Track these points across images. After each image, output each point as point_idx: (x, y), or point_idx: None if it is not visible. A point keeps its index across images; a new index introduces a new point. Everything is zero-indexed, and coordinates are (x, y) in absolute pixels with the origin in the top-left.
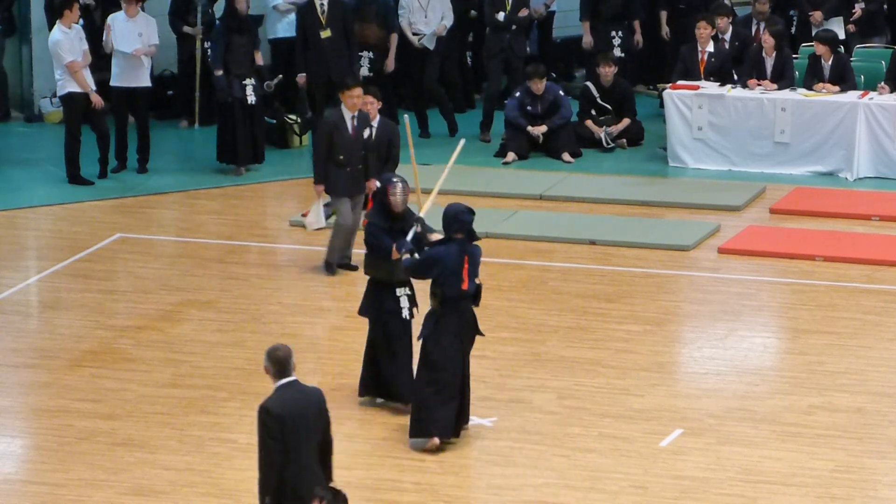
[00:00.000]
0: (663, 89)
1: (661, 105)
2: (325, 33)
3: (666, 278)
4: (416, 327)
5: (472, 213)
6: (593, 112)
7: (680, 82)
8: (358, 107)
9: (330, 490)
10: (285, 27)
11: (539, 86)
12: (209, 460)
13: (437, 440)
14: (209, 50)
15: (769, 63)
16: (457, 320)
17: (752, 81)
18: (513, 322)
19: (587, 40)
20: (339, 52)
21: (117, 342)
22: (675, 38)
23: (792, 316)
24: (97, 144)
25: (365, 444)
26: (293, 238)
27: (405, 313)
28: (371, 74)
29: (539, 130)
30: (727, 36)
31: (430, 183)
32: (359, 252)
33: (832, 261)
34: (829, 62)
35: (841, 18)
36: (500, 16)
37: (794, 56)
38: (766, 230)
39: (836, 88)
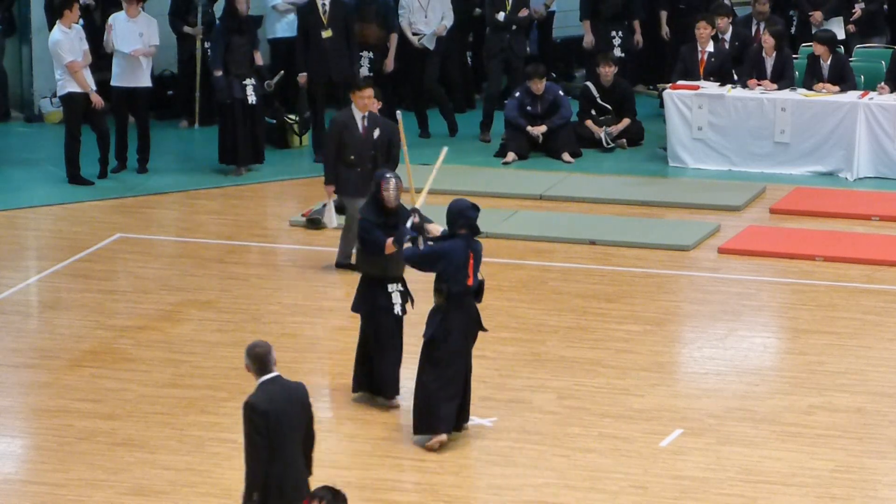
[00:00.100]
0: (663, 89)
1: (661, 105)
2: (327, 33)
3: (666, 278)
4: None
5: (476, 209)
6: (593, 112)
7: (680, 82)
8: (369, 107)
9: (330, 490)
10: (284, 27)
11: (539, 86)
12: (209, 460)
13: (444, 436)
14: (209, 50)
15: (769, 63)
16: (462, 316)
17: (752, 81)
18: (513, 322)
19: (588, 40)
20: (340, 52)
21: (117, 342)
22: (675, 38)
23: (792, 316)
24: (97, 144)
25: (365, 444)
26: (293, 238)
27: (397, 309)
28: (371, 74)
29: (538, 130)
30: (727, 36)
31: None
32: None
33: (832, 261)
34: (828, 62)
35: (841, 18)
36: (500, 16)
37: (794, 56)
38: (766, 230)
39: (836, 88)
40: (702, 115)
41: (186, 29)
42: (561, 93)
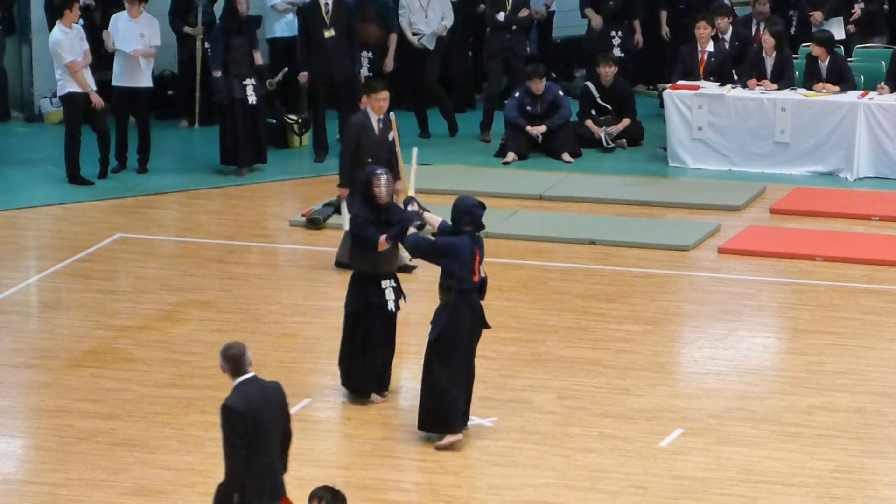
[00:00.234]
0: (663, 89)
1: (661, 105)
2: (329, 33)
3: (666, 278)
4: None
5: (483, 206)
6: (593, 112)
7: (680, 82)
8: (384, 109)
9: (330, 490)
10: (283, 27)
11: (539, 86)
12: (209, 460)
13: (460, 435)
14: (209, 50)
15: (769, 63)
16: (468, 313)
17: (752, 81)
18: (513, 322)
19: (597, 22)
20: (342, 52)
21: (117, 342)
22: (675, 38)
23: (792, 316)
24: (97, 144)
25: (365, 444)
26: (293, 238)
27: (391, 305)
28: (370, 74)
29: (538, 130)
30: (727, 36)
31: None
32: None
33: (832, 261)
34: (826, 63)
35: (841, 18)
36: (501, 16)
37: (793, 56)
38: (766, 230)
39: (836, 88)
40: (702, 115)
41: (186, 29)
42: (561, 93)
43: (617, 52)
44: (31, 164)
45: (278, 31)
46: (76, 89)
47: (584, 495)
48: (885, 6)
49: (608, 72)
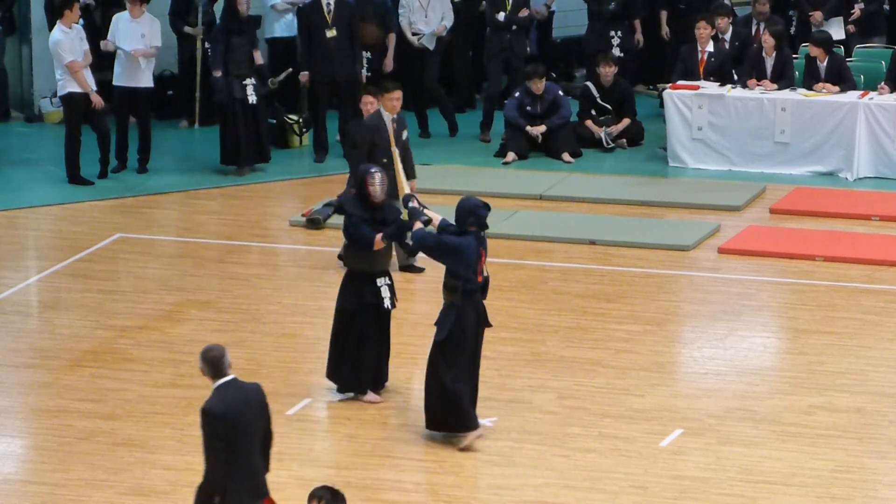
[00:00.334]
0: (663, 89)
1: (661, 105)
2: (331, 33)
3: (666, 278)
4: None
5: (487, 207)
6: (593, 112)
7: (680, 82)
8: (397, 109)
9: (329, 490)
10: (282, 27)
11: (539, 86)
12: None
13: (479, 430)
14: (209, 50)
15: (769, 63)
16: (473, 313)
17: (752, 81)
18: (513, 322)
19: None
20: (344, 52)
21: (117, 342)
22: (675, 38)
23: (792, 316)
24: (98, 144)
25: (365, 444)
26: (293, 238)
27: (387, 303)
28: (369, 74)
29: (538, 130)
30: (727, 36)
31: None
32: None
33: (832, 261)
34: (825, 63)
35: (841, 18)
36: (501, 16)
37: (793, 56)
38: (766, 230)
39: (836, 88)
40: (702, 115)
41: (187, 29)
42: (561, 93)
43: (617, 52)
44: (31, 164)
45: (277, 31)
46: (76, 89)
47: (584, 495)
48: (886, 6)
49: (608, 72)
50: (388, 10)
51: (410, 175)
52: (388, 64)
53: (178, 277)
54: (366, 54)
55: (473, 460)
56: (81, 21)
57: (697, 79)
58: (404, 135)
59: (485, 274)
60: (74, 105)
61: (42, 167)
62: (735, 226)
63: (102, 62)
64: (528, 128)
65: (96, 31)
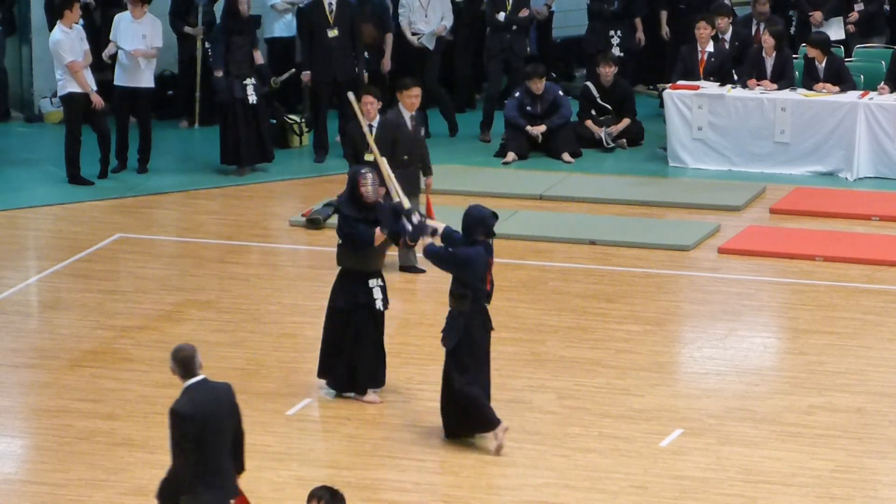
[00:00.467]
0: (663, 89)
1: (661, 105)
2: (333, 32)
3: (666, 278)
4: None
5: (496, 217)
6: (593, 112)
7: (680, 82)
8: (416, 105)
9: (328, 490)
10: (282, 27)
11: (539, 86)
12: None
13: (504, 425)
14: (209, 50)
15: (769, 63)
16: (480, 318)
17: (752, 81)
18: (513, 322)
19: None
20: (345, 52)
21: (117, 342)
22: (675, 38)
23: (792, 316)
24: (98, 144)
25: (365, 444)
26: (293, 238)
27: (379, 304)
28: (367, 74)
29: (538, 130)
30: (727, 36)
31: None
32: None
33: (832, 261)
34: (823, 64)
35: (840, 18)
36: (501, 16)
37: (793, 56)
38: (766, 230)
39: (836, 88)
40: (702, 115)
41: (187, 29)
42: (561, 93)
43: (617, 52)
44: (31, 164)
45: (277, 31)
46: (76, 89)
47: (584, 495)
48: (886, 6)
49: (608, 72)
50: (386, 9)
51: (427, 171)
52: (386, 64)
53: (178, 277)
54: (364, 54)
55: (473, 460)
56: (81, 21)
57: (697, 79)
58: (422, 131)
59: (492, 279)
60: (74, 105)
61: (42, 167)
62: (735, 226)
63: (102, 62)
64: (529, 128)
65: (96, 31)
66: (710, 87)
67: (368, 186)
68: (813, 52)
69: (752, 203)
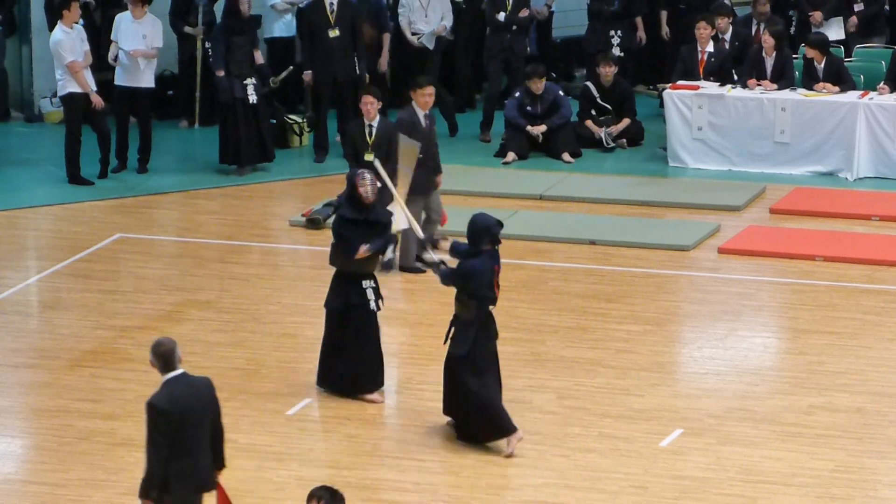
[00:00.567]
0: (663, 89)
1: (661, 105)
2: (334, 32)
3: (666, 278)
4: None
5: (501, 225)
6: (593, 112)
7: (680, 82)
8: (430, 104)
9: (328, 490)
10: (281, 27)
11: (539, 86)
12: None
13: (519, 433)
14: (209, 50)
15: (769, 63)
16: (487, 322)
17: (752, 81)
18: (513, 322)
19: None
20: (346, 52)
21: (117, 342)
22: (675, 38)
23: (792, 316)
24: (98, 144)
25: (365, 444)
26: (293, 238)
27: (372, 305)
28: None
29: (538, 130)
30: (727, 36)
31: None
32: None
33: (832, 261)
34: (822, 64)
35: (840, 18)
36: (501, 16)
37: (793, 56)
38: (766, 230)
39: (836, 88)
40: (702, 115)
41: (187, 29)
42: (561, 93)
43: (617, 52)
44: (31, 164)
45: (277, 31)
46: (76, 89)
47: (584, 495)
48: (886, 6)
49: (608, 72)
50: (382, 9)
51: (437, 170)
52: (383, 64)
53: (178, 277)
54: None
55: (473, 460)
56: (82, 21)
57: (697, 79)
58: (435, 130)
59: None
60: (74, 105)
61: (42, 167)
62: (735, 226)
63: (102, 62)
64: (529, 127)
65: (96, 31)
66: (710, 87)
67: (367, 187)
68: (811, 53)
69: (752, 203)
